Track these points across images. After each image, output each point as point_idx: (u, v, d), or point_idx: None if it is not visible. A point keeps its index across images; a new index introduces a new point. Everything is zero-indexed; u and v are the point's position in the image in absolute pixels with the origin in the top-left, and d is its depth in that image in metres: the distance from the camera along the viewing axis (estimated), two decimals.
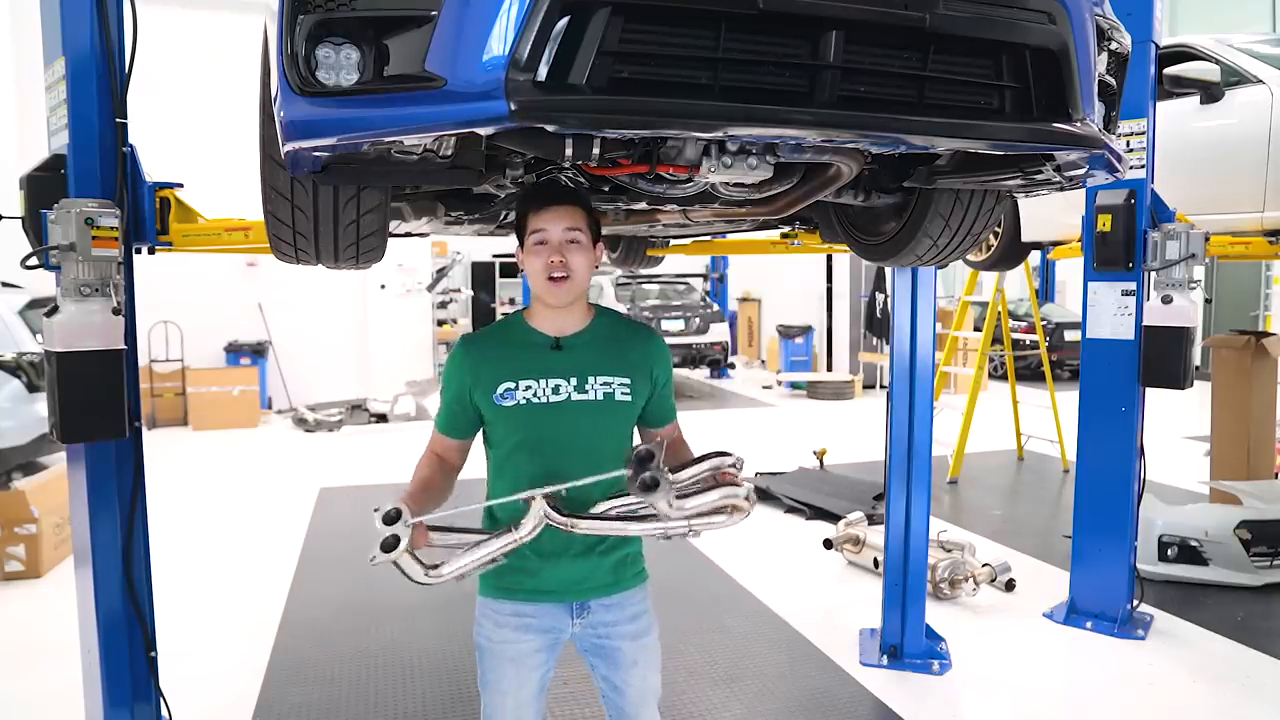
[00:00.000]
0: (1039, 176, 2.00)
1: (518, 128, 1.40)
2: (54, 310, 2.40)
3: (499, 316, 16.52)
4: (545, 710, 2.05)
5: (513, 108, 1.35)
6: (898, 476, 3.72)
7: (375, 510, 1.65)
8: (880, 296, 12.14)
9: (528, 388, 1.89)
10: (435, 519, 1.75)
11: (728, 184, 2.05)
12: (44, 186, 2.52)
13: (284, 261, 2.27)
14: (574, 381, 1.90)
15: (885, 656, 3.76)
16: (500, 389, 1.89)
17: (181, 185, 2.74)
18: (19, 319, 6.51)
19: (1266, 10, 12.81)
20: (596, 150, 1.73)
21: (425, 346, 12.11)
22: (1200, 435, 7.50)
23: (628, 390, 1.93)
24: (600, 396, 1.91)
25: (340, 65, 1.45)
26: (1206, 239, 3.92)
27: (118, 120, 2.52)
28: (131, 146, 2.56)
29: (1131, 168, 3.88)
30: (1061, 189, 2.13)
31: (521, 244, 1.92)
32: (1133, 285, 3.99)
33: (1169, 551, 4.67)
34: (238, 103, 5.57)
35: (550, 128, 1.42)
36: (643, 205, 2.49)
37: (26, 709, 3.40)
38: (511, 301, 16.76)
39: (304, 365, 11.11)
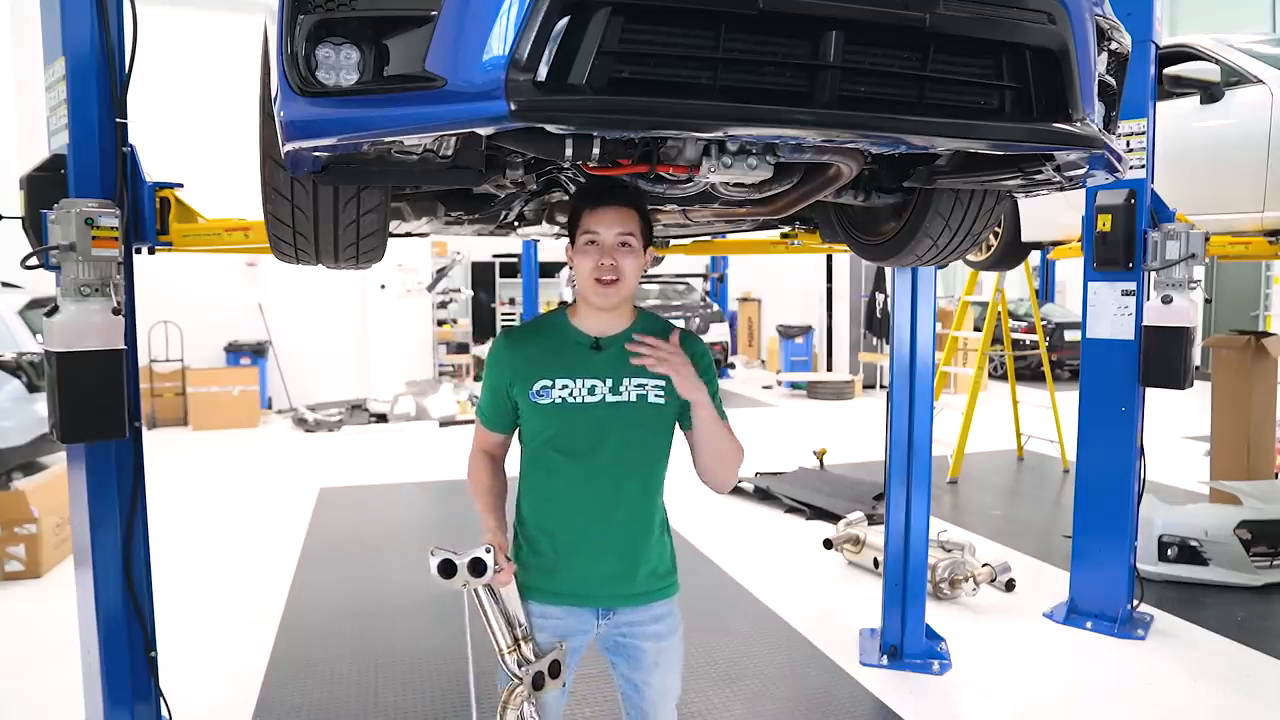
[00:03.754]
0: (1039, 176, 2.00)
1: (518, 128, 1.40)
2: (54, 310, 2.40)
3: (499, 317, 16.56)
4: (561, 712, 2.04)
5: (513, 108, 1.35)
6: (898, 476, 3.72)
7: (455, 556, 1.76)
8: (880, 296, 12.15)
9: (564, 386, 1.89)
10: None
11: (728, 184, 2.04)
12: (44, 186, 2.52)
13: (284, 261, 2.28)
14: (609, 382, 1.90)
15: (885, 656, 3.76)
16: (537, 386, 1.90)
17: (181, 185, 2.74)
18: (19, 319, 6.51)
19: (1266, 10, 12.81)
20: (596, 150, 1.73)
21: (425, 346, 12.11)
22: (1200, 435, 7.50)
23: (661, 392, 1.92)
24: (634, 398, 1.90)
25: (340, 65, 1.45)
26: (1206, 239, 3.92)
27: (118, 120, 2.52)
28: (131, 146, 2.56)
29: (1131, 168, 3.88)
30: (1061, 189, 2.13)
31: (573, 241, 1.91)
32: (1133, 285, 3.98)
33: (1169, 551, 4.68)
34: (238, 103, 5.57)
35: (550, 128, 1.42)
36: None
37: (26, 709, 3.40)
38: (511, 301, 16.74)
39: (304, 365, 11.12)
